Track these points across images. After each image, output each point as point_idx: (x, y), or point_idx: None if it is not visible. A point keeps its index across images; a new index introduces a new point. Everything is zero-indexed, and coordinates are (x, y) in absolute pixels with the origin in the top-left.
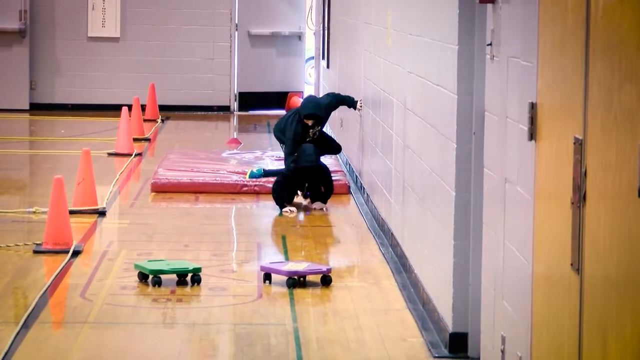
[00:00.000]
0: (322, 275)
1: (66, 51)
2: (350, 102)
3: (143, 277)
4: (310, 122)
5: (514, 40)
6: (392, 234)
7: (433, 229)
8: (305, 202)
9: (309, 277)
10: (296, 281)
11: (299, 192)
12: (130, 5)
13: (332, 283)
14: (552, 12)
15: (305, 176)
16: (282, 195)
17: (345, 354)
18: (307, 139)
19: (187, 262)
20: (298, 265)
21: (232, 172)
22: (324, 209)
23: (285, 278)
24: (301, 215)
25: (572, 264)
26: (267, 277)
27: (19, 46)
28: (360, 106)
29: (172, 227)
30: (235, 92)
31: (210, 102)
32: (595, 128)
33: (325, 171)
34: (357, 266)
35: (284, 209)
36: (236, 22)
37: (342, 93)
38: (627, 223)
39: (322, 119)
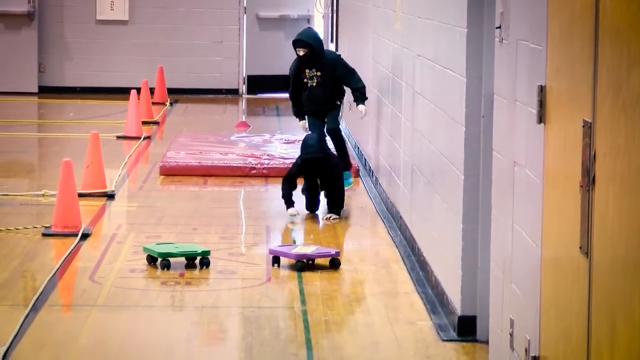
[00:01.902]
0: (330, 258)
1: (75, 34)
2: (358, 94)
3: (152, 260)
4: (301, 52)
5: (523, 23)
6: (400, 217)
7: (442, 213)
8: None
9: (318, 261)
10: (305, 264)
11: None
12: None
13: (340, 266)
14: None
15: (310, 170)
16: (287, 192)
17: (354, 337)
18: (308, 85)
19: (196, 245)
20: (306, 249)
21: (246, 156)
22: (331, 217)
23: (293, 261)
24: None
25: (581, 248)
26: (276, 260)
27: (28, 29)
28: (363, 112)
29: (180, 210)
30: (244, 75)
31: (219, 85)
32: (604, 111)
33: (333, 166)
34: (366, 249)
35: (289, 210)
36: (245, 5)
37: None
38: (636, 206)
39: (313, 50)
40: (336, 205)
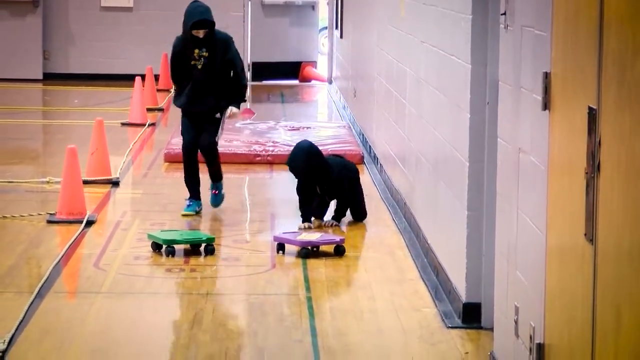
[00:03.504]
0: (335, 245)
1: (79, 21)
2: (239, 93)
3: (156, 247)
4: (201, 34)
5: (528, 10)
6: (405, 204)
7: (446, 200)
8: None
9: (322, 248)
10: (309, 251)
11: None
12: None
13: (345, 253)
14: None
15: (304, 179)
16: (301, 205)
17: (359, 324)
18: (195, 67)
19: (201, 232)
20: (311, 236)
21: (250, 143)
22: (333, 224)
23: (298, 248)
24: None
25: (585, 235)
26: (281, 247)
27: (32, 16)
28: (228, 113)
29: (185, 197)
30: (249, 62)
31: None
32: (609, 98)
33: (334, 176)
34: (371, 236)
35: (302, 223)
36: None
37: (357, 64)
38: None
39: (213, 29)
40: (340, 216)
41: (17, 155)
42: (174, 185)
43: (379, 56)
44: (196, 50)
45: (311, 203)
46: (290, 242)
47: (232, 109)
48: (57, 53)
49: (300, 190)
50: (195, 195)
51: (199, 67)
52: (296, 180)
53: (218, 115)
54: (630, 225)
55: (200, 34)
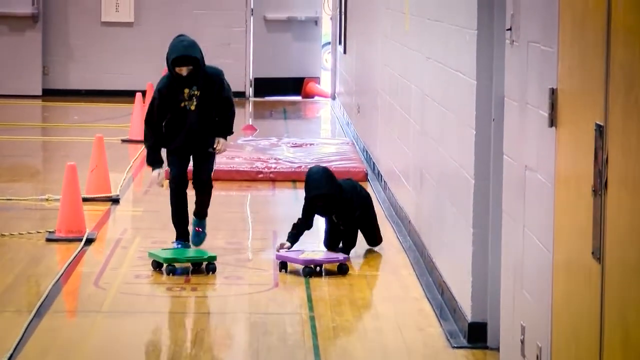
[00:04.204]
0: (338, 264)
1: (79, 36)
2: (227, 123)
3: (157, 265)
4: (184, 71)
5: (534, 25)
6: (409, 221)
7: (451, 217)
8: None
9: (326, 266)
10: (312, 270)
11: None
12: None
13: (349, 272)
14: None
15: (320, 208)
16: (294, 231)
17: (362, 344)
18: (185, 108)
19: (202, 251)
20: (314, 254)
21: (252, 160)
22: (345, 258)
23: (301, 267)
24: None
25: (593, 253)
26: (283, 265)
27: (32, 31)
28: (220, 147)
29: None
30: (251, 77)
31: None
32: (617, 114)
33: (349, 206)
34: (374, 255)
35: (284, 242)
36: (251, 6)
37: (360, 79)
38: None
39: (199, 65)
40: (350, 244)
41: (16, 172)
42: None
43: (382, 72)
44: (186, 90)
45: (308, 229)
46: (293, 260)
47: (221, 142)
48: (57, 68)
49: (306, 212)
50: (184, 235)
51: (192, 107)
52: (303, 200)
53: (211, 149)
54: (638, 243)
55: (184, 71)
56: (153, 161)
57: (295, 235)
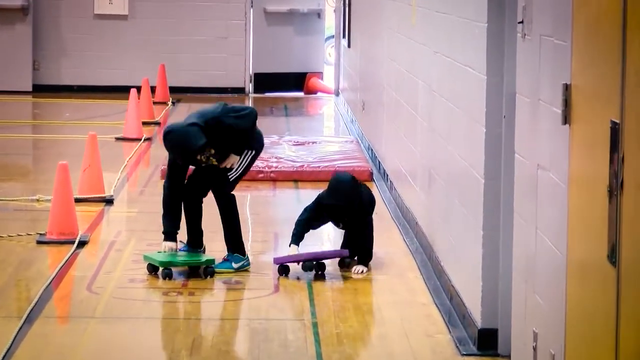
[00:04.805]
0: (340, 258)
1: (71, 29)
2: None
3: (153, 269)
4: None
5: (547, 18)
6: (416, 223)
7: (461, 218)
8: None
9: (328, 269)
10: (313, 265)
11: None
12: None
13: (353, 276)
14: None
15: (329, 213)
16: (297, 231)
17: (368, 351)
18: (202, 165)
19: (200, 254)
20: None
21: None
22: (363, 271)
23: (302, 271)
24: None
25: (608, 255)
26: (284, 270)
27: (22, 24)
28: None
29: (183, 216)
30: (251, 72)
31: (224, 84)
32: (633, 111)
33: (364, 210)
34: (380, 258)
35: (291, 245)
36: None
37: (365, 75)
38: None
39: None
40: (367, 256)
41: (6, 171)
42: None
43: (388, 67)
44: (202, 157)
45: (314, 228)
46: (293, 258)
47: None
48: (48, 63)
49: (312, 210)
50: (194, 245)
51: (214, 162)
52: (309, 199)
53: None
54: None
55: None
56: (167, 234)
57: (299, 233)
